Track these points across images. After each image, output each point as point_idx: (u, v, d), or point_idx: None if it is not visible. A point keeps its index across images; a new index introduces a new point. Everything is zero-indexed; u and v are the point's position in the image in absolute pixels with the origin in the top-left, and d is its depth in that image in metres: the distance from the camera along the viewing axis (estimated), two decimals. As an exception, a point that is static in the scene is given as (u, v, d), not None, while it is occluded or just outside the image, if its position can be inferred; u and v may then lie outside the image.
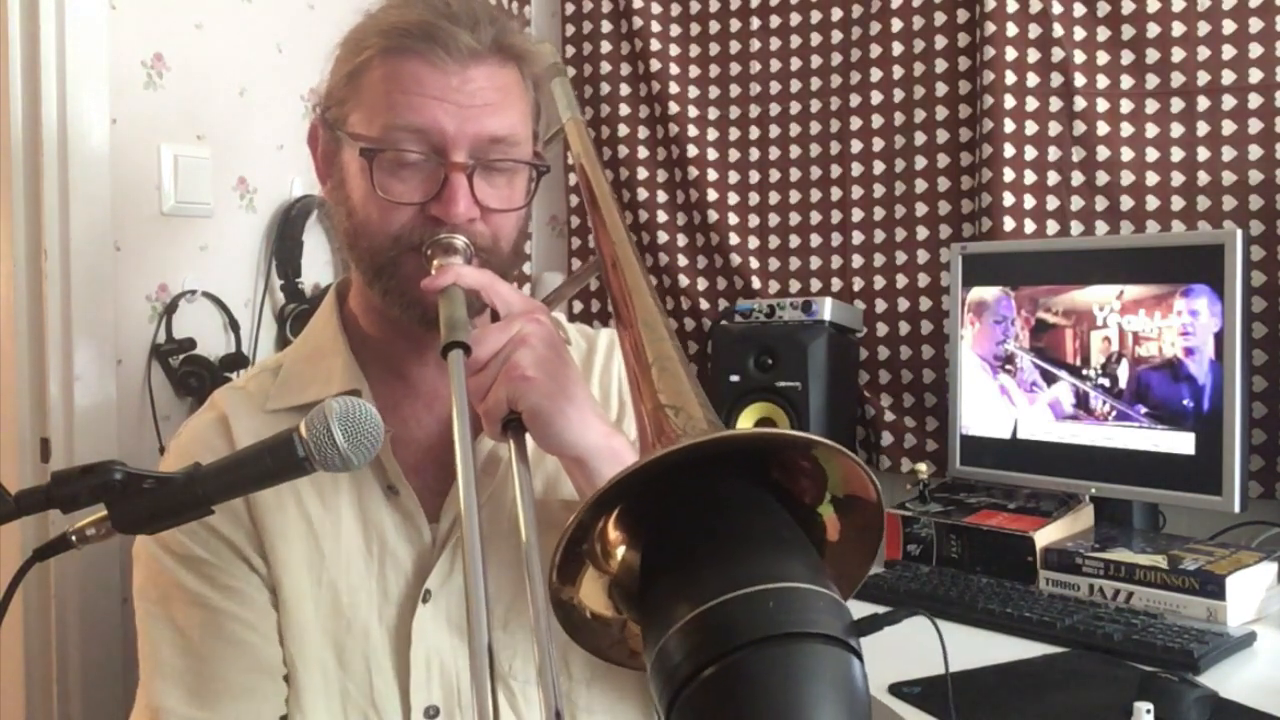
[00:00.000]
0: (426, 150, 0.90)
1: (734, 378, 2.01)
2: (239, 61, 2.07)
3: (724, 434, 0.56)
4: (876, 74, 2.12)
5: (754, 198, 2.26)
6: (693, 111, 2.31)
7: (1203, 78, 1.83)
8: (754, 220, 2.26)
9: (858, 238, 2.15)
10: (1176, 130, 1.85)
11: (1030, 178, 1.95)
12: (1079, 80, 1.91)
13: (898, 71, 2.10)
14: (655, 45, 2.33)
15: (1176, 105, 1.85)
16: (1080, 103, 1.91)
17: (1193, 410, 1.62)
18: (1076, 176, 1.93)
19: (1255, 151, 1.79)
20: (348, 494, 0.98)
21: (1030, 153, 1.94)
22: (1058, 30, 1.92)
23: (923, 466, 1.87)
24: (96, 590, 1.82)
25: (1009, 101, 1.94)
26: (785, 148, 2.23)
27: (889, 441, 2.10)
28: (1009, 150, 1.94)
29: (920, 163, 2.08)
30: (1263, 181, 1.78)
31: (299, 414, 0.82)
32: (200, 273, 2.02)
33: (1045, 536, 1.65)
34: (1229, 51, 1.81)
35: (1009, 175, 1.94)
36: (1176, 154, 1.85)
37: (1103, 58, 1.91)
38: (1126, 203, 1.88)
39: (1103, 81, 1.91)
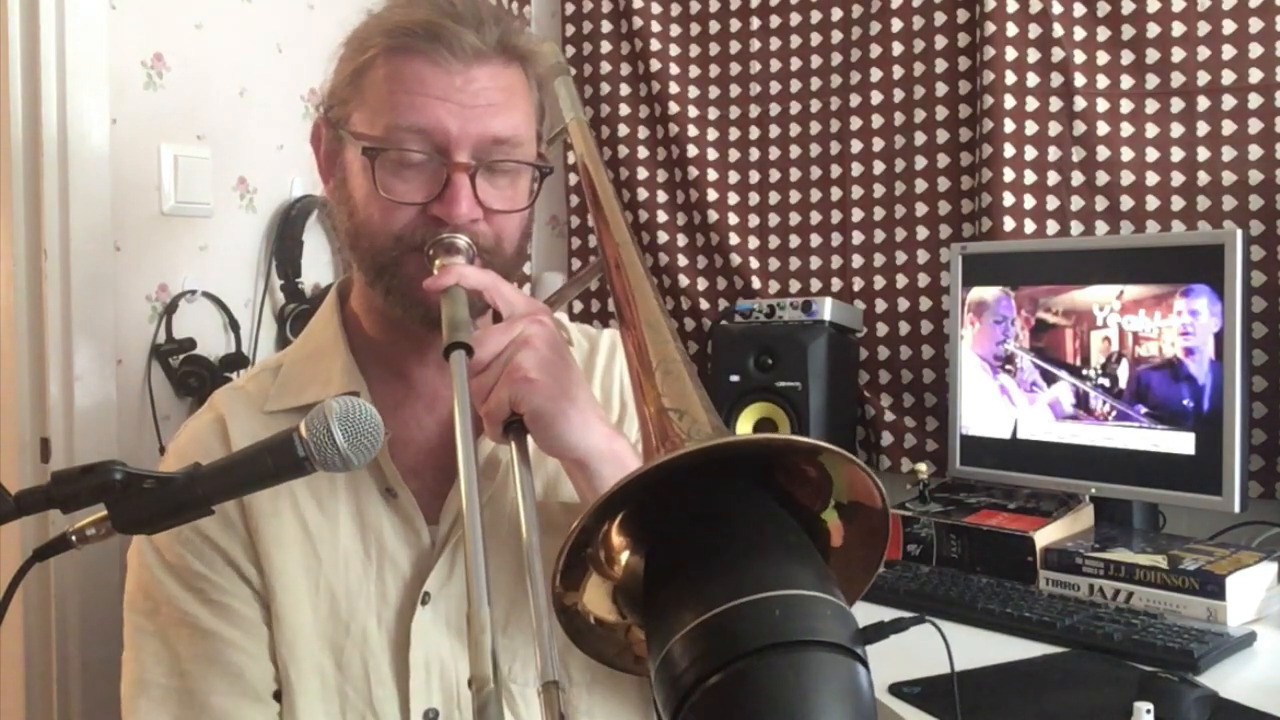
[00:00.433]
0: (429, 150, 0.90)
1: (734, 378, 2.01)
2: (239, 61, 2.07)
3: (729, 439, 0.56)
4: (876, 74, 2.12)
5: (754, 198, 2.26)
6: (693, 111, 2.31)
7: (1203, 78, 1.83)
8: (754, 220, 2.26)
9: (858, 238, 2.15)
10: (1176, 130, 1.85)
11: (1030, 178, 1.95)
12: (1079, 80, 1.91)
13: (898, 71, 2.10)
14: (655, 45, 2.33)
15: (1176, 105, 1.85)
16: (1080, 103, 1.91)
17: (1193, 410, 1.62)
18: (1076, 176, 1.93)
19: (1255, 151, 1.79)
20: (345, 497, 0.97)
21: (1030, 153, 1.94)
22: (1058, 30, 1.92)
23: (923, 466, 1.86)
24: (96, 590, 1.82)
25: (1009, 101, 1.94)
26: (785, 148, 2.23)
27: (889, 441, 2.10)
28: (1009, 150, 1.94)
29: (920, 163, 2.08)
30: (1263, 181, 1.78)
31: (297, 415, 0.82)
32: (200, 273, 2.02)
33: (1045, 536, 1.65)
34: (1229, 51, 1.81)
35: (1009, 175, 1.94)
36: (1176, 154, 1.85)
37: (1103, 58, 1.91)
38: (1126, 203, 1.88)
39: (1103, 81, 1.91)
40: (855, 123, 2.15)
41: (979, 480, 1.89)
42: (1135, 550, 1.57)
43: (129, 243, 1.91)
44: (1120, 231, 1.88)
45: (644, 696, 1.04)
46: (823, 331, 1.99)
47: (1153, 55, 1.86)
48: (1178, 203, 1.85)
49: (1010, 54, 1.94)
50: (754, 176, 2.26)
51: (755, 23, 2.26)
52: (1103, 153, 1.90)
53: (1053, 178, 1.95)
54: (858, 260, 2.15)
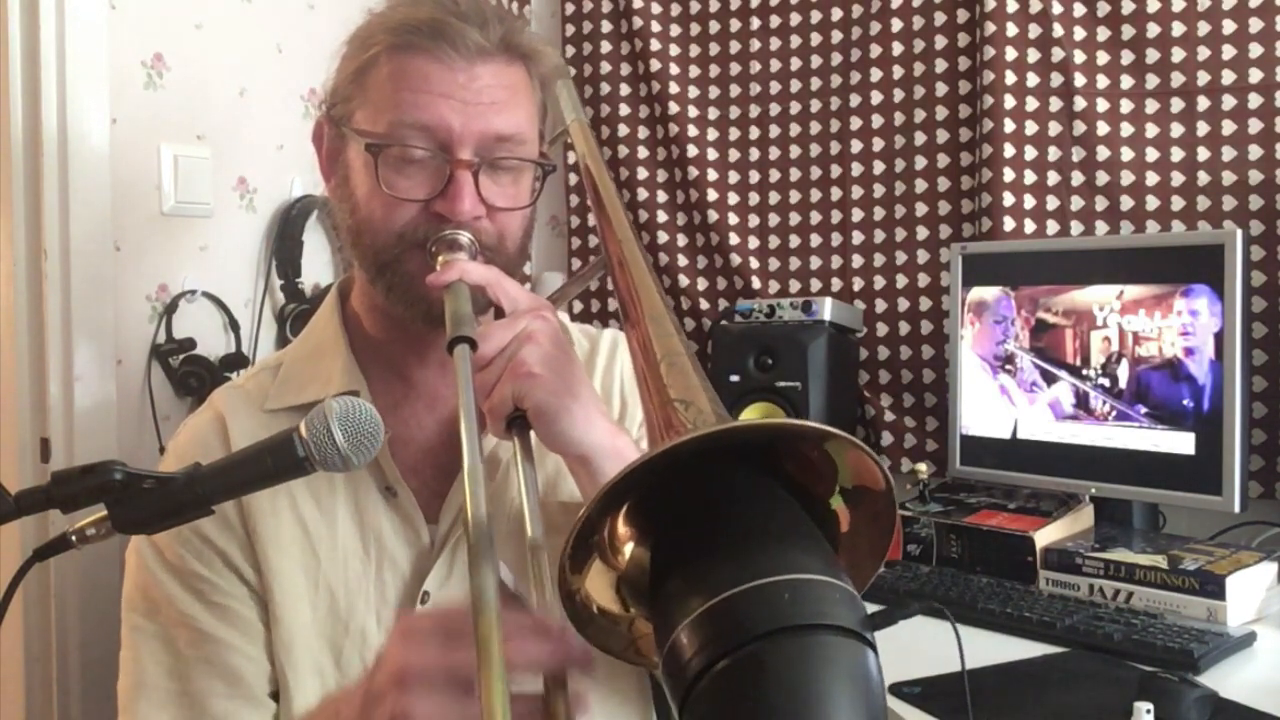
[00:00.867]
0: (433, 147, 0.90)
1: (734, 378, 2.01)
2: (239, 61, 2.07)
3: (734, 425, 0.56)
4: (876, 74, 2.12)
5: (754, 198, 2.26)
6: (693, 111, 2.31)
7: (1203, 78, 1.83)
8: (754, 220, 2.26)
9: (858, 238, 2.15)
10: (1176, 130, 1.85)
11: (1030, 178, 1.95)
12: (1079, 80, 1.91)
13: (898, 71, 2.10)
14: (655, 45, 2.33)
15: (1176, 105, 1.85)
16: (1080, 103, 1.91)
17: (1193, 410, 1.62)
18: (1076, 176, 1.93)
19: (1255, 151, 1.79)
20: (344, 496, 0.97)
21: (1030, 153, 1.95)
22: (1058, 30, 1.92)
23: (923, 466, 1.87)
24: (96, 590, 1.82)
25: (1009, 101, 1.94)
26: (785, 148, 2.23)
27: (889, 441, 2.10)
28: (1009, 150, 1.94)
29: (920, 163, 2.09)
30: (1263, 181, 1.78)
31: (297, 414, 0.82)
32: (200, 273, 2.02)
33: (1045, 536, 1.65)
34: (1229, 51, 1.81)
35: (1009, 175, 1.94)
36: (1176, 154, 1.85)
37: (1103, 58, 1.91)
38: (1126, 203, 1.89)
39: (1103, 81, 1.91)
40: (855, 123, 2.15)
41: (979, 480, 1.89)
42: (1135, 550, 1.57)
43: (129, 243, 1.91)
44: (1120, 231, 1.88)
45: (642, 692, 1.04)
46: (823, 331, 1.99)
47: (1153, 55, 1.87)
48: (1178, 203, 1.85)
49: (1010, 54, 1.94)
50: (754, 176, 2.26)
51: (755, 23, 2.26)
52: (1103, 153, 1.90)
53: (1053, 178, 1.95)
54: (858, 260, 2.15)
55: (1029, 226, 1.94)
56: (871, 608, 0.54)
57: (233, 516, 0.95)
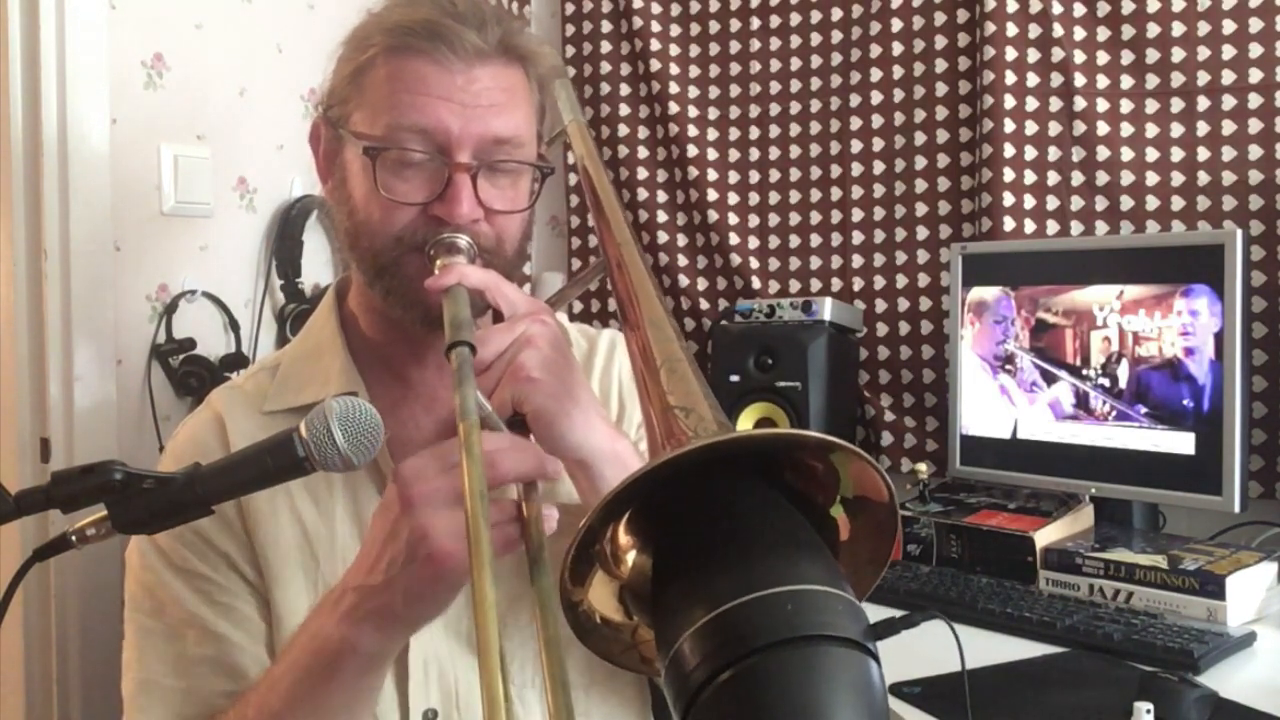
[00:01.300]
0: (431, 150, 0.90)
1: (734, 378, 2.01)
2: (239, 61, 2.07)
3: (736, 435, 0.56)
4: (876, 74, 2.12)
5: (754, 198, 2.26)
6: (693, 111, 2.31)
7: (1203, 78, 1.83)
8: (754, 220, 2.26)
9: (858, 238, 2.15)
10: (1176, 130, 1.85)
11: (1030, 178, 1.95)
12: (1079, 80, 1.91)
13: (898, 71, 2.10)
14: (655, 45, 2.33)
15: (1176, 105, 1.85)
16: (1080, 103, 1.91)
17: (1193, 410, 1.62)
18: (1076, 176, 1.93)
19: (1255, 151, 1.79)
20: (342, 497, 0.97)
21: (1030, 153, 1.95)
22: (1058, 30, 1.92)
23: (923, 466, 1.87)
24: (96, 590, 1.82)
25: (1009, 101, 1.94)
26: (785, 148, 2.23)
27: (889, 441, 2.10)
28: (1009, 150, 1.94)
29: (920, 163, 2.09)
30: (1263, 181, 1.78)
31: (296, 415, 0.82)
32: (200, 273, 2.02)
33: (1045, 536, 1.65)
34: (1229, 51, 1.81)
35: (1009, 175, 1.94)
36: (1176, 154, 1.85)
37: (1103, 58, 1.91)
38: (1126, 203, 1.89)
39: (1103, 81, 1.91)
40: (855, 123, 2.15)
41: (979, 480, 1.89)
42: (1135, 550, 1.57)
43: (129, 243, 1.91)
44: (1120, 231, 1.88)
45: (641, 699, 1.04)
46: (823, 331, 1.99)
47: (1153, 55, 1.87)
48: (1178, 203, 1.85)
49: (1010, 54, 1.94)
50: (754, 176, 2.26)
51: (755, 23, 2.26)
52: (1103, 153, 1.90)
53: (1053, 178, 1.95)
54: (858, 260, 2.15)
55: (1029, 226, 1.94)
56: (867, 609, 0.54)
57: (232, 517, 0.96)
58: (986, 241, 1.95)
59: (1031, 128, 1.94)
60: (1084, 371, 1.74)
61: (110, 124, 1.87)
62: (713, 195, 2.27)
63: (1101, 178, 1.90)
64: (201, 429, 1.01)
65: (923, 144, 2.08)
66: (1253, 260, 1.71)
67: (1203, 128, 1.83)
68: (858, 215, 2.15)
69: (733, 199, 2.28)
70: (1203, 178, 1.83)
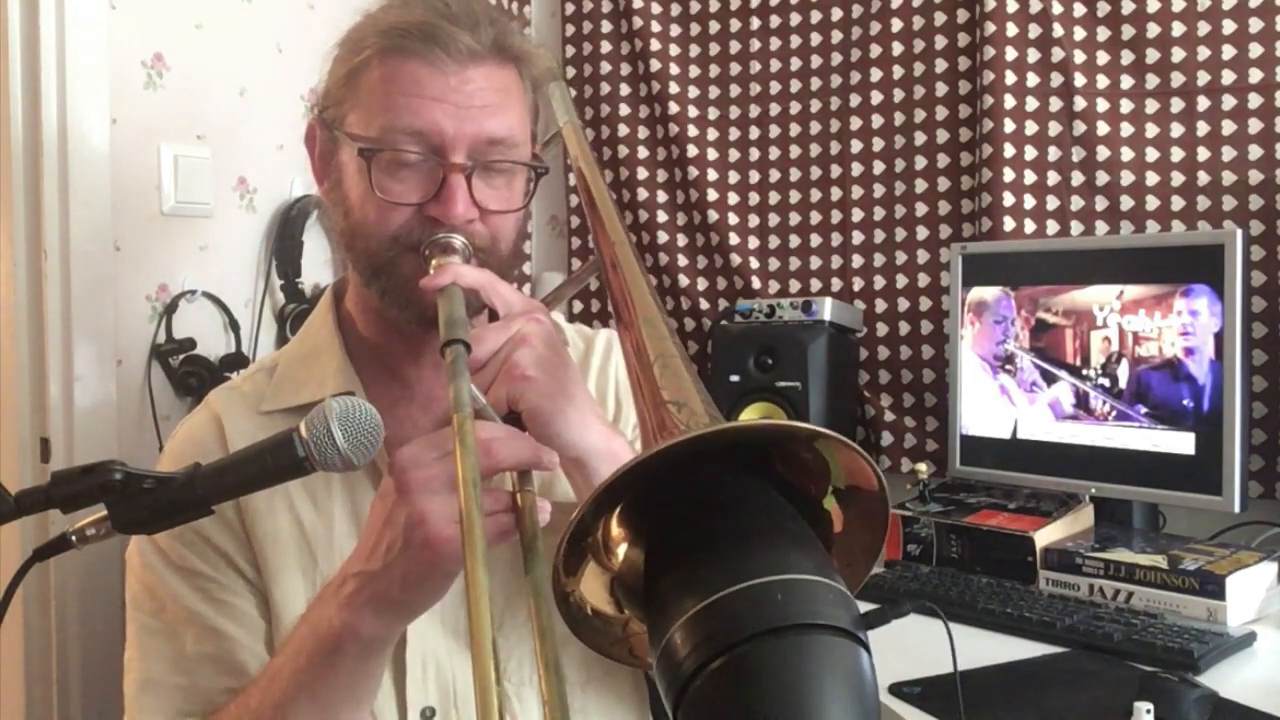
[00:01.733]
0: (425, 151, 0.90)
1: (734, 378, 2.01)
2: (239, 61, 2.07)
3: (726, 426, 0.56)
4: (876, 74, 2.12)
5: (754, 198, 2.26)
6: (693, 111, 2.31)
7: (1203, 78, 1.83)
8: (754, 220, 2.26)
9: (858, 238, 2.15)
10: (1176, 130, 1.85)
11: (1030, 178, 1.95)
12: (1079, 80, 1.91)
13: (898, 71, 2.10)
14: (655, 45, 2.33)
15: (1176, 105, 1.85)
16: (1080, 103, 1.91)
17: (1193, 410, 1.62)
18: (1076, 176, 1.93)
19: (1255, 151, 1.79)
20: (340, 496, 0.98)
21: (1030, 153, 1.95)
22: (1058, 30, 1.92)
23: (923, 466, 1.86)
24: (96, 590, 1.82)
25: (1009, 101, 1.94)
26: (785, 148, 2.23)
27: (889, 441, 2.10)
28: (1009, 150, 1.94)
29: (920, 163, 2.08)
30: (1263, 181, 1.78)
31: (294, 415, 0.82)
32: (200, 273, 2.02)
33: (1045, 536, 1.65)
34: (1229, 51, 1.81)
35: (1009, 175, 1.94)
36: (1176, 154, 1.85)
37: (1103, 58, 1.91)
38: (1126, 203, 1.88)
39: (1103, 81, 1.91)
40: (855, 123, 2.15)
41: (979, 480, 1.89)
42: (1135, 550, 1.57)
43: (129, 243, 1.91)
44: (1120, 231, 1.88)
45: (639, 694, 1.04)
46: (823, 331, 1.99)
47: (1153, 55, 1.86)
48: (1178, 203, 1.85)
49: (1010, 54, 1.94)
50: (754, 176, 2.26)
51: (755, 23, 2.26)
52: (1103, 153, 1.90)
53: (1053, 178, 1.95)
54: (858, 260, 2.15)
55: (1029, 226, 1.94)
56: (866, 608, 0.54)
57: (231, 516, 0.96)
58: (986, 241, 1.95)
59: (1031, 128, 1.94)
60: (1084, 371, 1.74)
61: (110, 124, 1.87)
62: (713, 195, 2.27)
63: (1101, 178, 1.90)
64: (200, 429, 1.02)
65: (923, 144, 2.08)
66: (1253, 260, 1.71)
67: (1203, 128, 1.83)
68: (858, 215, 2.15)
69: (733, 199, 2.28)
70: (1203, 178, 1.83)
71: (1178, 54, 1.84)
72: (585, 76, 2.42)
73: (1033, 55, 1.95)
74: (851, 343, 2.11)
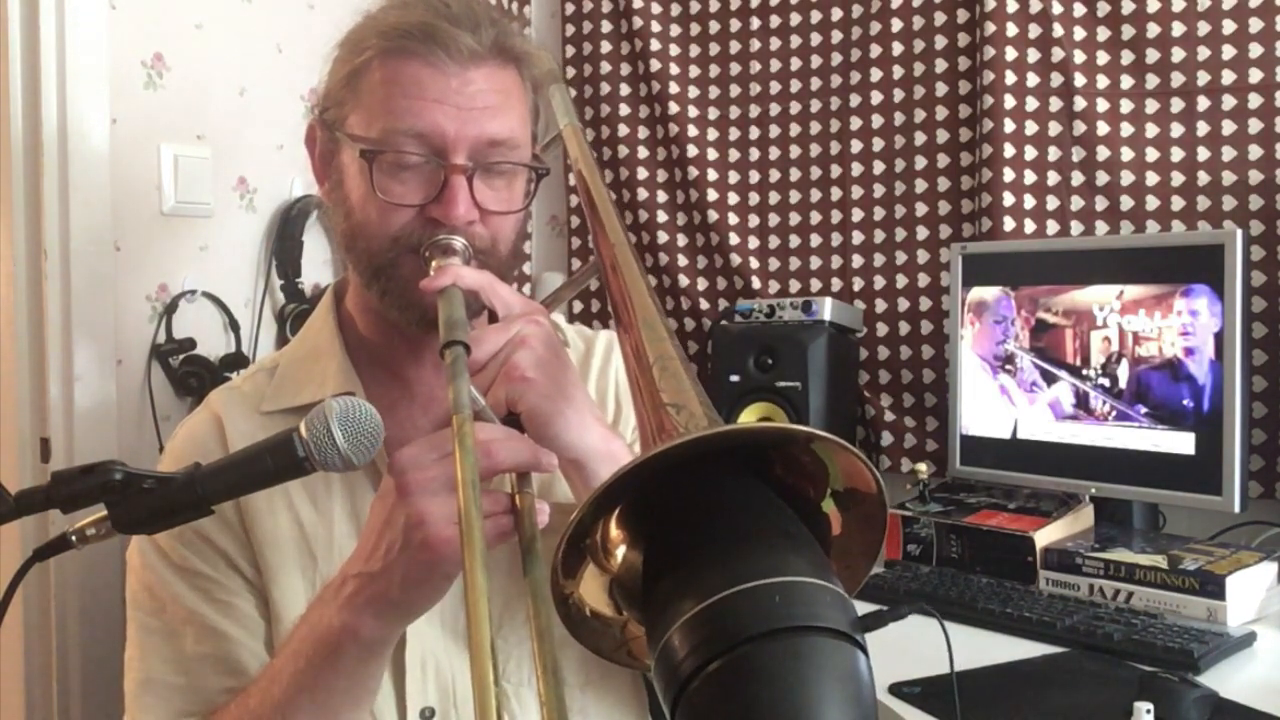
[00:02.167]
0: (426, 153, 0.90)
1: (734, 378, 2.01)
2: (239, 61, 2.07)
3: (724, 429, 0.56)
4: (876, 74, 2.12)
5: (754, 198, 2.26)
6: (693, 111, 2.31)
7: (1203, 78, 1.83)
8: (754, 220, 2.26)
9: (858, 238, 2.15)
10: (1176, 130, 1.85)
11: (1030, 178, 1.95)
12: (1079, 80, 1.91)
13: (898, 71, 2.10)
14: (655, 45, 2.33)
15: (1176, 105, 1.85)
16: (1080, 103, 1.91)
17: (1193, 410, 1.62)
18: (1076, 176, 1.93)
19: (1255, 151, 1.79)
20: (340, 496, 0.98)
21: (1030, 153, 1.95)
22: (1058, 30, 1.92)
23: (923, 466, 1.86)
24: (96, 590, 1.82)
25: (1009, 101, 1.94)
26: (785, 148, 2.23)
27: (889, 441, 2.10)
28: (1009, 150, 1.94)
29: (920, 163, 2.08)
30: (1263, 181, 1.78)
31: (294, 416, 0.82)
32: (200, 273, 2.02)
33: (1045, 536, 1.65)
34: (1229, 51, 1.81)
35: (1009, 175, 1.94)
36: (1176, 154, 1.85)
37: (1103, 58, 1.91)
38: (1126, 203, 1.88)
39: (1103, 81, 1.91)
40: (855, 123, 2.15)
41: (979, 480, 1.89)
42: (1135, 550, 1.57)
43: (129, 243, 1.91)
44: (1120, 231, 1.88)
45: (638, 696, 1.04)
46: (823, 331, 1.99)
47: (1153, 55, 1.86)
48: (1178, 203, 1.85)
49: (1010, 54, 1.94)
50: (754, 176, 2.26)
51: (755, 23, 2.26)
52: (1103, 153, 1.90)
53: (1053, 178, 1.95)
54: (858, 260, 2.15)
55: (1029, 226, 1.94)
56: (866, 608, 0.54)
57: (230, 516, 0.96)
58: (986, 241, 1.95)
59: (1031, 128, 1.94)
60: (1084, 371, 1.74)
61: (110, 124, 1.87)
62: (713, 195, 2.27)
63: (1101, 178, 1.90)
64: (200, 429, 1.02)
65: (923, 144, 2.08)
66: (1253, 260, 1.71)
67: (1203, 128, 1.83)
68: (858, 215, 2.15)
69: (733, 199, 2.28)
70: (1203, 178, 1.83)
71: (1178, 54, 1.84)
72: (585, 77, 2.42)
73: (1033, 55, 1.94)
74: (851, 343, 2.11)
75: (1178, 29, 1.84)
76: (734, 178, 2.28)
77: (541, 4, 2.52)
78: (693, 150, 2.29)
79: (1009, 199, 1.94)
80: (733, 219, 2.27)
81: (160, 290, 1.97)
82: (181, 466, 0.75)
